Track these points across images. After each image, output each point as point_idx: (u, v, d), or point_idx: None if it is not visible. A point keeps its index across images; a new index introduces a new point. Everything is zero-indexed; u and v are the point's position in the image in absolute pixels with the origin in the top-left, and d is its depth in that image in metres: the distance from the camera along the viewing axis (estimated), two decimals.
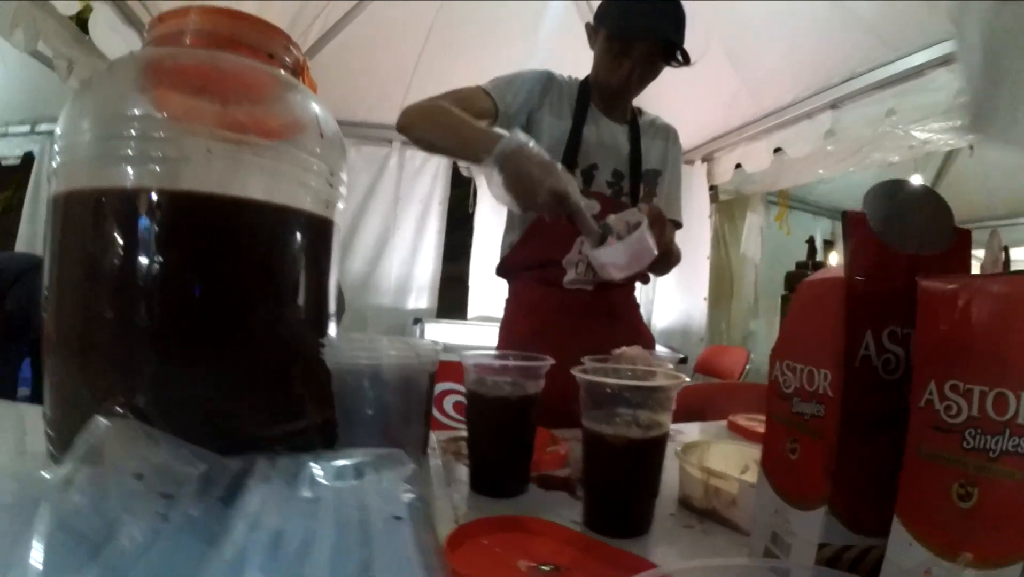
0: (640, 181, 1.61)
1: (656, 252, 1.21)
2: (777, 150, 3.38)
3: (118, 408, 0.65)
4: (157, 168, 0.67)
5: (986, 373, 0.45)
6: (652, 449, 0.74)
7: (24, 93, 4.21)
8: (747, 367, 3.98)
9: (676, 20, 1.44)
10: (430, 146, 1.44)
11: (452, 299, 4.56)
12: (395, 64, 3.66)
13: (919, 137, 3.04)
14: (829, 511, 0.54)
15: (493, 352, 0.92)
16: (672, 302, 4.43)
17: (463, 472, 0.94)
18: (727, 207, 4.46)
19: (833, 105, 2.91)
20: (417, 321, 4.15)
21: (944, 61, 2.36)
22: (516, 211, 1.27)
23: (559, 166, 1.17)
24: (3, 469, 0.81)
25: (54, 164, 0.74)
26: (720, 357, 3.98)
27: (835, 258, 5.44)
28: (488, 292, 4.30)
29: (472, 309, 4.42)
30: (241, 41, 0.80)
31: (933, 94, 2.47)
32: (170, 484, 0.53)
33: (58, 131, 0.74)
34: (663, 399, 0.74)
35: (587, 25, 1.59)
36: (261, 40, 0.82)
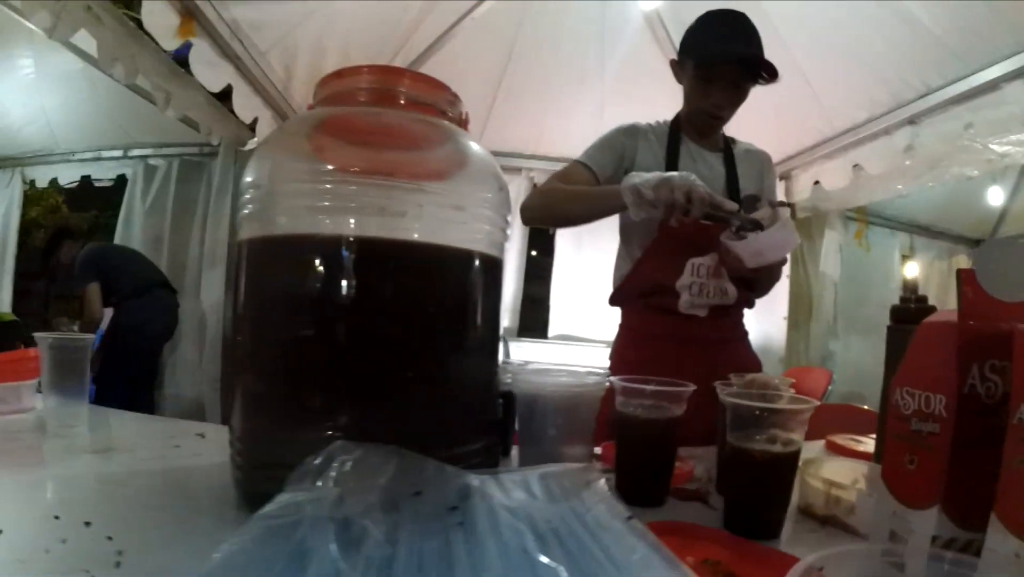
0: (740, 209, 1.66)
1: (799, 240, 1.33)
2: (855, 166, 3.40)
3: (325, 430, 0.72)
4: (344, 216, 0.75)
5: None
6: (790, 462, 0.86)
7: (116, 120, 4.50)
8: (828, 388, 3.97)
9: (756, 40, 1.57)
10: (567, 221, 1.71)
11: (533, 318, 4.68)
12: (478, 89, 3.82)
13: (997, 151, 3.06)
14: (941, 509, 0.66)
15: (639, 377, 1.00)
16: (750, 323, 4.45)
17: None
18: (805, 225, 4.45)
19: (911, 121, 2.92)
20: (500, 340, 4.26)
21: (1019, 73, 2.38)
22: (662, 217, 1.40)
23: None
24: (200, 482, 0.92)
25: (244, 212, 0.83)
26: (802, 378, 3.94)
27: (912, 271, 5.41)
28: (568, 312, 4.41)
29: (553, 328, 4.54)
30: (412, 98, 0.88)
31: (1009, 107, 2.48)
32: (450, 497, 0.60)
33: (247, 180, 0.82)
34: (799, 420, 0.86)
35: (672, 62, 1.72)
36: (432, 97, 0.90)
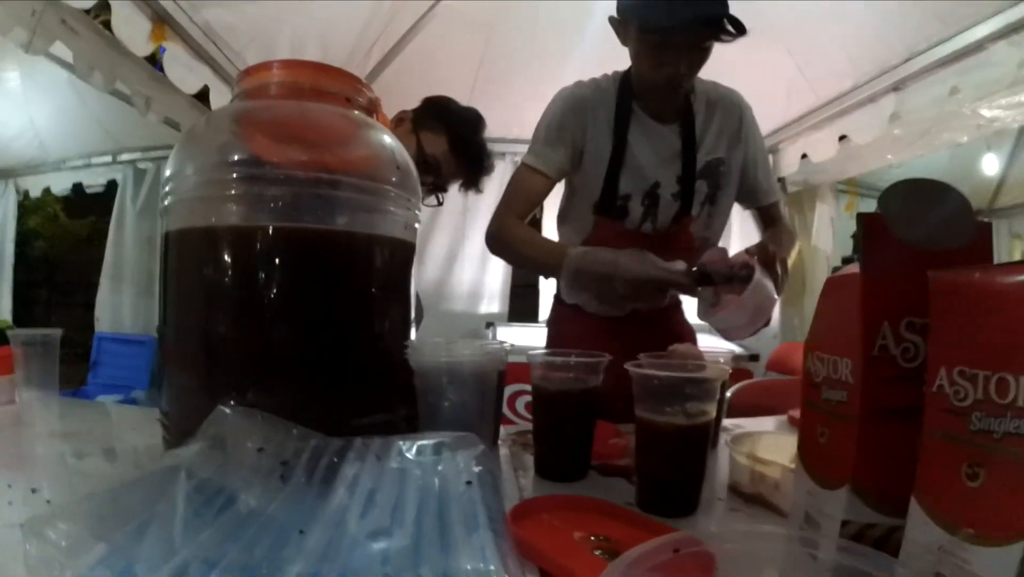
0: (693, 183, 1.46)
1: (777, 297, 1.15)
2: (842, 137, 3.27)
3: (232, 403, 0.76)
4: (256, 206, 0.79)
5: (989, 359, 0.48)
6: (697, 435, 0.81)
7: (104, 126, 4.53)
8: None
9: None
10: (520, 268, 1.65)
11: (523, 303, 4.64)
12: (455, 77, 3.74)
13: (986, 115, 2.97)
14: (852, 489, 0.59)
15: (556, 351, 1.00)
16: None
17: (529, 460, 1.02)
18: (796, 199, 4.34)
19: (895, 87, 2.80)
20: (490, 325, 4.25)
21: (1004, 33, 2.28)
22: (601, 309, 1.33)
23: (626, 253, 1.19)
24: (143, 454, 1.00)
25: (165, 203, 0.87)
26: (794, 354, 3.82)
27: None
28: None
29: (544, 312, 4.47)
30: (320, 89, 0.92)
31: (995, 68, 2.35)
32: (287, 454, 0.65)
33: (167, 174, 0.86)
34: (709, 390, 0.80)
35: (611, 19, 1.39)
36: (338, 87, 0.94)
